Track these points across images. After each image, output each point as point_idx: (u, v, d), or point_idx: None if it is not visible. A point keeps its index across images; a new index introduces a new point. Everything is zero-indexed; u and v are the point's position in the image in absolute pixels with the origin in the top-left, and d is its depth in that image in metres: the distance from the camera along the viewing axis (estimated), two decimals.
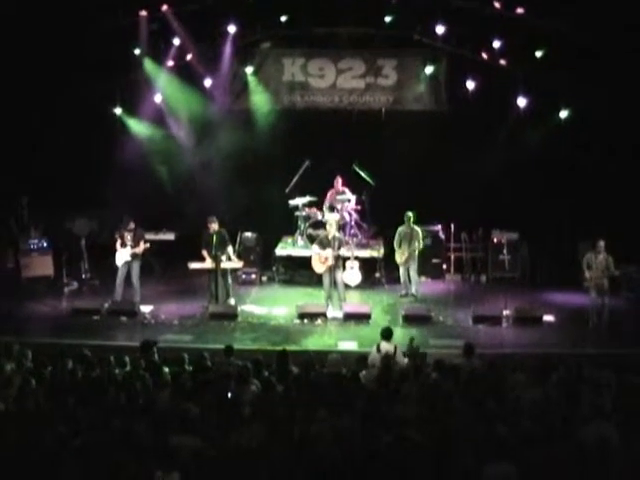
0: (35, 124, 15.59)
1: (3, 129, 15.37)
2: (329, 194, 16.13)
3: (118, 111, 16.33)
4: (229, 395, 8.16)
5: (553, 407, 7.82)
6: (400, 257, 14.52)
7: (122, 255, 13.91)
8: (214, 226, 13.72)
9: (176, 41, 16.02)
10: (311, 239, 15.48)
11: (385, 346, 10.17)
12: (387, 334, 10.37)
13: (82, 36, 15.04)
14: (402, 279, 14.71)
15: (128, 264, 13.92)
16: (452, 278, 16.02)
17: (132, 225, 13.97)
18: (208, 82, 16.46)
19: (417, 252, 14.51)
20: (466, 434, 6.97)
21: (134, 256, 13.89)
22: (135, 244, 13.88)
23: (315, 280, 14.72)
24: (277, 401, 7.93)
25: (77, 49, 15.12)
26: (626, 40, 14.33)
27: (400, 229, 14.50)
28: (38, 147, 15.71)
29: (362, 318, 13.29)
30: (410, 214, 14.45)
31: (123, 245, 13.88)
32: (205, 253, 13.74)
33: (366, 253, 15.58)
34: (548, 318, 13.33)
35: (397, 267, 14.73)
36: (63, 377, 8.78)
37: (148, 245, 14.17)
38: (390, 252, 15.11)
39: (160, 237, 16.51)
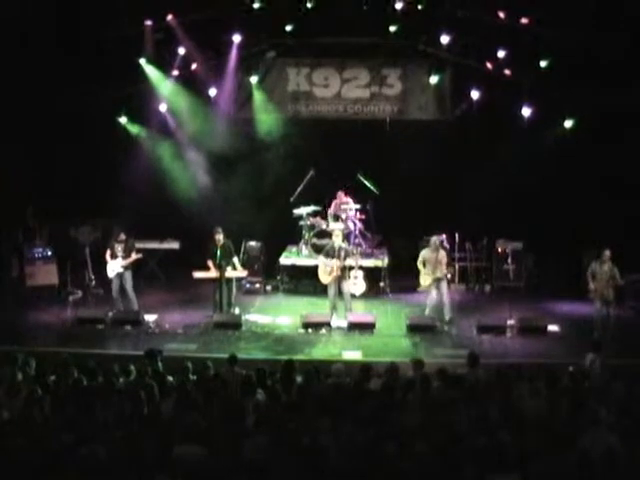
0: (40, 133, 15.62)
1: (8, 138, 15.40)
2: (333, 204, 16.14)
3: (123, 120, 16.37)
4: (233, 404, 8.14)
5: (557, 417, 7.79)
6: (424, 281, 13.54)
7: (113, 267, 13.88)
8: (219, 237, 13.64)
9: (181, 50, 16.06)
10: (316, 248, 15.49)
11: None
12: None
13: (88, 45, 15.12)
14: (433, 303, 13.53)
15: (120, 275, 13.88)
16: (456, 288, 15.98)
17: (123, 236, 13.93)
18: (213, 91, 16.50)
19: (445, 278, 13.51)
20: (470, 444, 6.95)
21: (125, 267, 13.87)
22: (126, 255, 13.86)
23: (319, 289, 14.69)
24: (282, 411, 7.91)
25: (82, 58, 15.19)
26: (631, 49, 14.34)
27: (424, 252, 13.57)
28: (43, 156, 15.73)
29: (366, 328, 13.27)
30: (435, 239, 13.58)
31: (113, 257, 13.87)
32: (210, 263, 13.73)
33: (370, 262, 15.57)
34: (553, 328, 13.30)
35: (401, 276, 14.65)
36: (67, 386, 8.77)
37: (140, 256, 14.15)
38: (394, 262, 15.10)
39: (164, 246, 16.59)
